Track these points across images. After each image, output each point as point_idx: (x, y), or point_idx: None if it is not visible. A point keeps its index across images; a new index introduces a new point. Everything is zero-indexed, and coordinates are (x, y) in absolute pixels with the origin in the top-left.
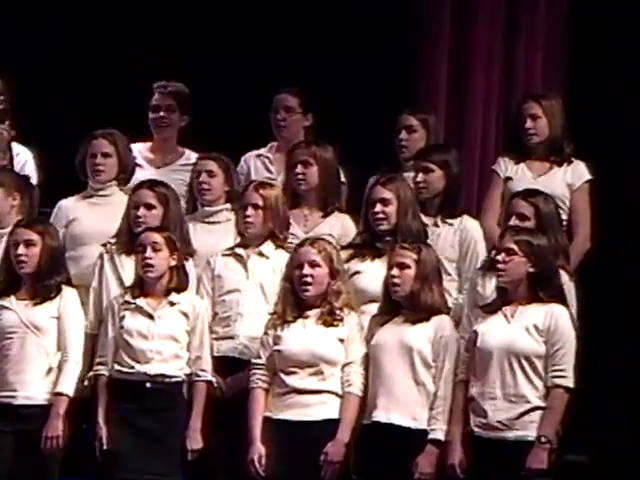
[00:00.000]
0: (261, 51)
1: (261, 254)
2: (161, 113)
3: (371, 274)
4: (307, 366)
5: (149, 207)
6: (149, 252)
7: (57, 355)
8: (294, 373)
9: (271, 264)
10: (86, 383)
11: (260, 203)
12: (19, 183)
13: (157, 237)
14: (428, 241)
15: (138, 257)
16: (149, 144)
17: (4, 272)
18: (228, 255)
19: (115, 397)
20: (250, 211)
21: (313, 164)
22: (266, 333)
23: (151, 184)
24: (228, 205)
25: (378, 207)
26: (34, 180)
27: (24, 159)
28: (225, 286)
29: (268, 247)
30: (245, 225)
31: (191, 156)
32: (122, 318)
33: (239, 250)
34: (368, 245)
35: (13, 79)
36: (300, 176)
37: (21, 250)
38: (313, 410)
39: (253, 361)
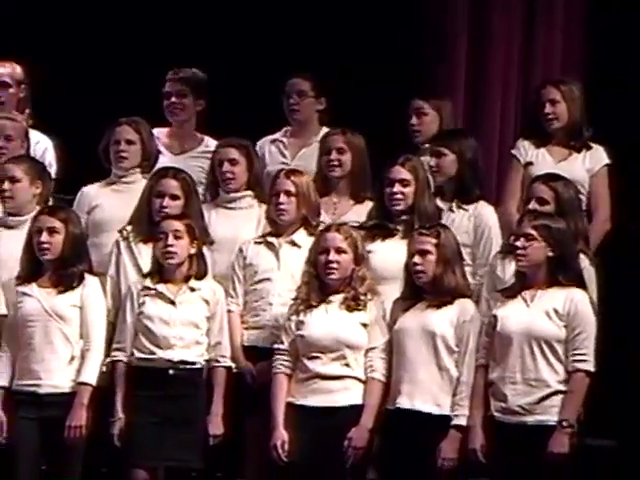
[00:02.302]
0: (273, 35)
1: (293, 243)
2: (172, 99)
3: (382, 254)
4: (330, 351)
5: (174, 198)
6: (170, 239)
7: (80, 344)
8: (317, 358)
9: (302, 253)
10: (104, 369)
11: (292, 190)
12: (40, 171)
13: (178, 225)
14: None
15: (159, 244)
16: (167, 130)
17: (26, 260)
18: (260, 243)
19: (135, 384)
20: (283, 198)
21: (347, 151)
22: (289, 319)
23: (175, 173)
24: (250, 192)
25: (396, 187)
26: (53, 168)
27: (44, 147)
28: (256, 275)
29: (300, 235)
30: (278, 212)
31: (210, 143)
32: (142, 304)
33: (271, 239)
34: (380, 225)
35: (34, 67)
36: (335, 162)
37: (44, 237)
38: (336, 396)
39: (276, 347)
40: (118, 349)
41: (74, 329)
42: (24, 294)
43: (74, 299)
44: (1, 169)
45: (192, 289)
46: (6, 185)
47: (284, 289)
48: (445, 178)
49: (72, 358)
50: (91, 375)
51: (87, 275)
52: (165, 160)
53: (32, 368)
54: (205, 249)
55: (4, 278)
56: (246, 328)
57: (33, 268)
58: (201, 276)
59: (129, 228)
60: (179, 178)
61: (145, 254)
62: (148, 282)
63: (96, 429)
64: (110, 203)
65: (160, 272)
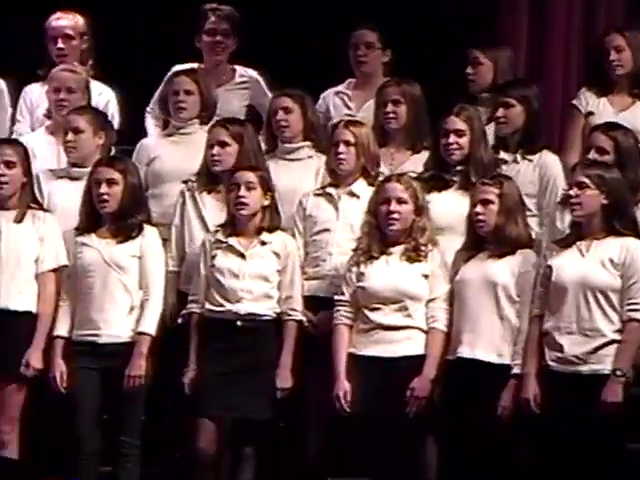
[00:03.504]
0: None
1: (352, 194)
2: (218, 37)
3: (438, 205)
4: (391, 302)
5: (223, 145)
6: (243, 191)
7: (139, 294)
8: (378, 309)
9: (361, 204)
10: (179, 321)
11: (352, 140)
12: (103, 122)
13: (251, 176)
14: None
15: (231, 196)
16: (197, 65)
17: (85, 211)
18: (319, 195)
19: (206, 335)
20: (342, 148)
21: (403, 102)
22: (349, 270)
23: (225, 121)
24: (308, 143)
25: (452, 138)
26: (116, 119)
27: (106, 98)
28: (316, 226)
29: (359, 185)
30: (338, 162)
31: (245, 72)
32: (214, 257)
33: (330, 190)
34: (436, 177)
35: (96, 18)
36: (390, 115)
37: (103, 189)
38: (398, 346)
39: (336, 298)
40: (193, 301)
41: (133, 279)
42: (83, 244)
43: (133, 249)
44: (65, 120)
45: (263, 242)
46: (70, 136)
47: (343, 239)
48: (511, 129)
49: (131, 308)
50: (150, 325)
51: (146, 226)
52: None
53: (91, 318)
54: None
55: (65, 229)
56: (307, 279)
57: (92, 219)
58: (273, 229)
59: (194, 179)
60: (228, 126)
61: (209, 205)
62: (220, 235)
63: (158, 378)
64: (169, 154)
65: (232, 224)
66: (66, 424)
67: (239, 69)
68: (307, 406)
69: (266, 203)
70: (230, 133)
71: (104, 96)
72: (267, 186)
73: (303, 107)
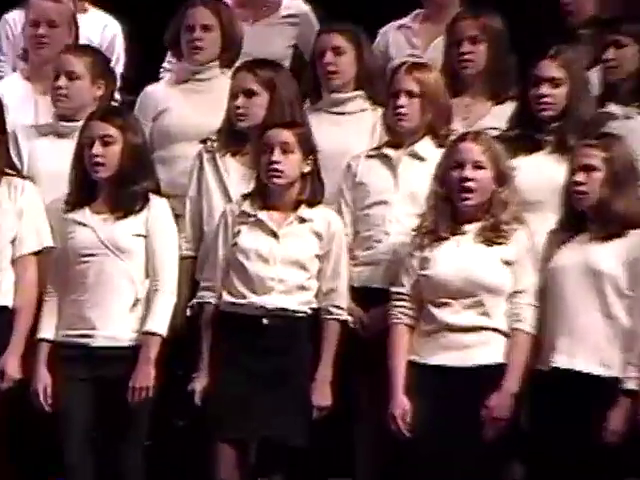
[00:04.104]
0: None
1: (415, 155)
2: None
3: (526, 172)
4: (464, 296)
5: (250, 94)
6: (277, 154)
7: (145, 283)
8: (447, 305)
9: (427, 169)
10: (188, 313)
11: (415, 89)
12: (105, 68)
13: (287, 135)
14: None
15: (262, 159)
16: None
17: (76, 178)
18: (373, 157)
19: (223, 334)
20: (403, 99)
21: (482, 40)
22: (410, 254)
23: (253, 64)
24: (361, 92)
25: (545, 88)
26: (121, 61)
27: (112, 33)
28: (369, 197)
29: (425, 145)
30: (397, 117)
31: (291, 4)
32: (237, 234)
33: (387, 151)
34: (523, 136)
35: None
36: (466, 56)
37: (97, 149)
38: (471, 353)
39: (393, 290)
40: (206, 288)
41: (138, 265)
42: (74, 222)
43: (137, 226)
44: (57, 61)
45: (302, 219)
46: (62, 81)
47: (404, 214)
48: (623, 75)
49: (136, 302)
50: (160, 322)
51: (153, 196)
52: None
53: (85, 315)
54: None
55: (50, 202)
56: (356, 264)
57: (84, 189)
58: (315, 202)
59: (214, 137)
60: (256, 70)
61: (233, 170)
62: (247, 206)
63: (165, 390)
64: (182, 106)
65: (263, 195)
66: (52, 448)
67: (285, 0)
68: (353, 427)
69: (306, 170)
70: (259, 79)
71: (109, 30)
72: (308, 148)
73: (358, 47)
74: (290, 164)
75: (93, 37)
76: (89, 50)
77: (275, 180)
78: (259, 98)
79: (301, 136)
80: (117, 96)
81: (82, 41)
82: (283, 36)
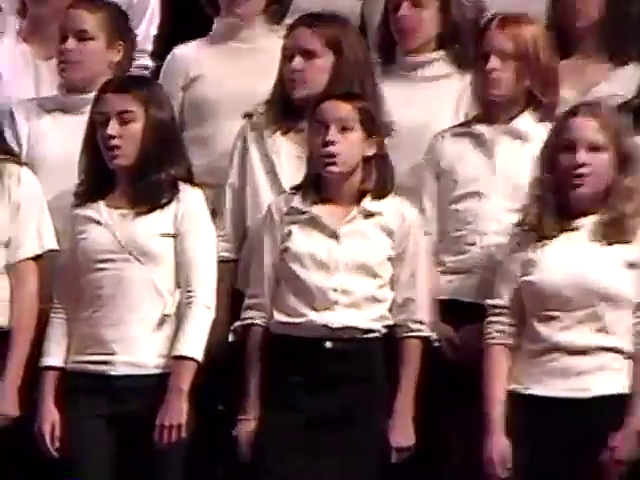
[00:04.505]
0: None
1: (515, 133)
2: None
3: None
4: (576, 307)
5: (309, 55)
6: (333, 133)
7: (175, 295)
8: (555, 319)
9: (531, 150)
10: (231, 338)
11: (509, 48)
12: (124, 27)
13: (345, 110)
14: None
15: (315, 140)
16: None
17: (87, 165)
18: (461, 135)
19: (275, 362)
20: (495, 62)
21: None
22: (510, 256)
23: (311, 18)
24: (444, 52)
25: None
26: (156, 19)
27: None
28: (458, 187)
29: (526, 120)
30: (487, 84)
31: None
32: (287, 235)
33: (479, 127)
34: None
35: None
36: (576, 4)
37: (113, 128)
38: (586, 380)
39: (489, 303)
40: (252, 306)
41: (166, 272)
42: (86, 220)
43: (164, 224)
44: (64, 17)
45: (368, 213)
46: (70, 43)
47: (503, 209)
48: None
49: (164, 318)
50: (194, 345)
51: (183, 186)
52: None
53: (101, 336)
54: None
55: (54, 195)
56: (443, 272)
57: (98, 178)
58: (384, 192)
59: (261, 110)
60: (316, 25)
61: (286, 154)
62: (297, 201)
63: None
64: (219, 72)
65: (317, 185)
66: None
67: None
68: (440, 474)
69: (370, 153)
70: (322, 36)
71: None
72: (373, 125)
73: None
74: (349, 146)
75: None
76: (104, 4)
77: (330, 168)
78: (321, 60)
79: (363, 110)
80: (149, 62)
81: None
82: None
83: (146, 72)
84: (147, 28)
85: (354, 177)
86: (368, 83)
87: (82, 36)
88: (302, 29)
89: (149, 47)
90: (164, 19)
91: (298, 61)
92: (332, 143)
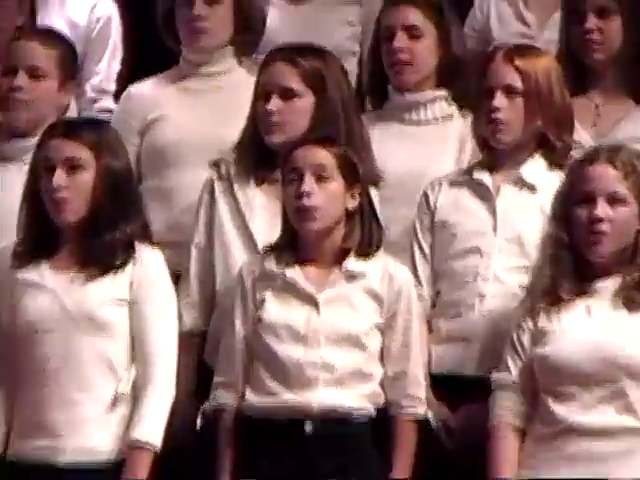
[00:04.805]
0: None
1: (522, 182)
2: None
3: None
4: (598, 384)
5: (287, 94)
6: (308, 183)
7: (131, 372)
8: (573, 397)
9: (540, 202)
10: (199, 423)
11: (517, 84)
12: (75, 68)
13: (322, 156)
14: None
15: (288, 191)
16: None
17: (28, 222)
18: (461, 184)
19: (248, 448)
20: (500, 99)
21: (615, 12)
22: (519, 326)
23: (291, 52)
24: (444, 92)
25: None
26: (118, 52)
27: (106, 13)
28: (456, 243)
29: (535, 167)
30: (492, 125)
31: None
32: (261, 303)
33: (480, 175)
34: None
35: None
36: (593, 35)
37: (59, 179)
38: (611, 467)
39: (495, 377)
40: (222, 385)
41: (120, 344)
42: (26, 284)
43: (118, 290)
44: (11, 52)
45: (350, 275)
46: (21, 79)
47: (507, 268)
48: None
49: (117, 398)
50: (152, 430)
51: (140, 245)
52: (274, 17)
53: (46, 418)
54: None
55: None
56: (438, 341)
57: (41, 236)
58: (370, 252)
59: (230, 157)
60: (295, 59)
61: (260, 207)
62: (271, 263)
63: None
64: (181, 113)
65: (293, 244)
66: None
67: None
68: None
69: (351, 206)
70: (302, 73)
71: (100, 10)
72: (353, 174)
73: (439, 26)
74: (328, 197)
75: (76, 18)
76: (59, 39)
77: (307, 224)
78: (302, 101)
79: (344, 157)
80: (111, 104)
81: (60, 23)
82: (340, 17)
83: (109, 115)
84: (109, 65)
85: (335, 234)
86: (354, 125)
87: (34, 73)
88: (280, 64)
89: (111, 87)
90: (126, 54)
91: (275, 102)
92: (308, 195)
